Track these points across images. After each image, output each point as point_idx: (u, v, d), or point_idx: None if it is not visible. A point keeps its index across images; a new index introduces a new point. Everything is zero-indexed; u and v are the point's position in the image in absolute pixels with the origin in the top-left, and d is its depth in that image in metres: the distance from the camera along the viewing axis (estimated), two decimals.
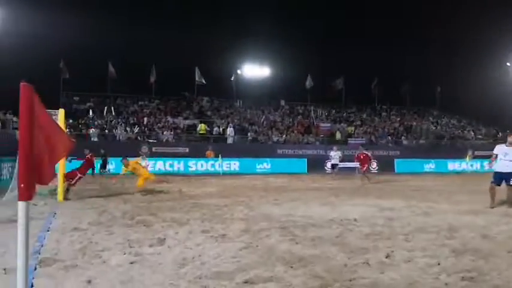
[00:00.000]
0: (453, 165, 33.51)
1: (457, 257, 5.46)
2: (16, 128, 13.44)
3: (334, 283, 4.45)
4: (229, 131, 33.37)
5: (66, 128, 20.76)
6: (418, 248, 5.97)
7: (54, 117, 12.14)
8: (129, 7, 48.91)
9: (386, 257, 5.46)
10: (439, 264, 5.09)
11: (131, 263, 5.15)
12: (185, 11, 48.35)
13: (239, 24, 47.62)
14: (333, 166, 24.32)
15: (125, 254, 5.59)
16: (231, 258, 5.41)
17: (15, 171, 14.66)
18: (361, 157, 20.02)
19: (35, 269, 4.83)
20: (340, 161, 24.14)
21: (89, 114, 33.18)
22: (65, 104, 32.71)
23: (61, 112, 11.98)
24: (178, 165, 28.54)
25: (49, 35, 34.25)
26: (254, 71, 42.95)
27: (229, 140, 32.97)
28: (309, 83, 42.10)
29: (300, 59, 45.03)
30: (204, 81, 39.55)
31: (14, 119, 24.33)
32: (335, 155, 23.89)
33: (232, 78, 41.44)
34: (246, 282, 4.47)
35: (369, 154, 20.33)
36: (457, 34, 44.15)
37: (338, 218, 8.73)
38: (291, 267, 5.00)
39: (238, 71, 42.42)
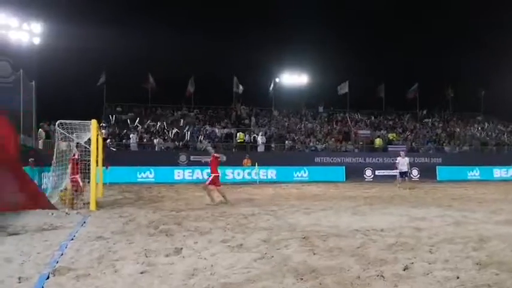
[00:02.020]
0: (499, 172, 32.19)
1: (480, 270, 5.17)
2: (61, 139, 14.03)
3: None
4: (260, 138, 33.26)
5: (107, 139, 21.28)
6: (440, 259, 5.71)
7: (86, 127, 12.51)
8: (168, 19, 49.87)
9: (404, 269, 5.24)
10: (458, 277, 4.83)
11: (141, 272, 5.15)
12: (222, 21, 48.89)
13: (277, 32, 47.49)
14: (402, 174, 21.40)
15: (138, 263, 5.60)
16: (242, 269, 5.32)
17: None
18: (210, 161, 14.13)
19: (48, 277, 4.91)
20: (407, 168, 21.32)
21: (129, 124, 33.92)
22: (108, 115, 33.85)
23: (93, 123, 12.26)
24: None
25: (92, 48, 35.47)
26: (292, 78, 42.71)
27: (261, 148, 32.82)
28: (342, 89, 41.43)
29: (339, 65, 44.59)
30: (240, 90, 39.52)
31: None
32: (403, 161, 21.20)
33: (271, 89, 41.24)
34: None
35: (218, 157, 14.23)
36: (503, 35, 42.60)
37: (364, 227, 8.48)
38: (301, 279, 4.86)
39: (277, 79, 42.25)
